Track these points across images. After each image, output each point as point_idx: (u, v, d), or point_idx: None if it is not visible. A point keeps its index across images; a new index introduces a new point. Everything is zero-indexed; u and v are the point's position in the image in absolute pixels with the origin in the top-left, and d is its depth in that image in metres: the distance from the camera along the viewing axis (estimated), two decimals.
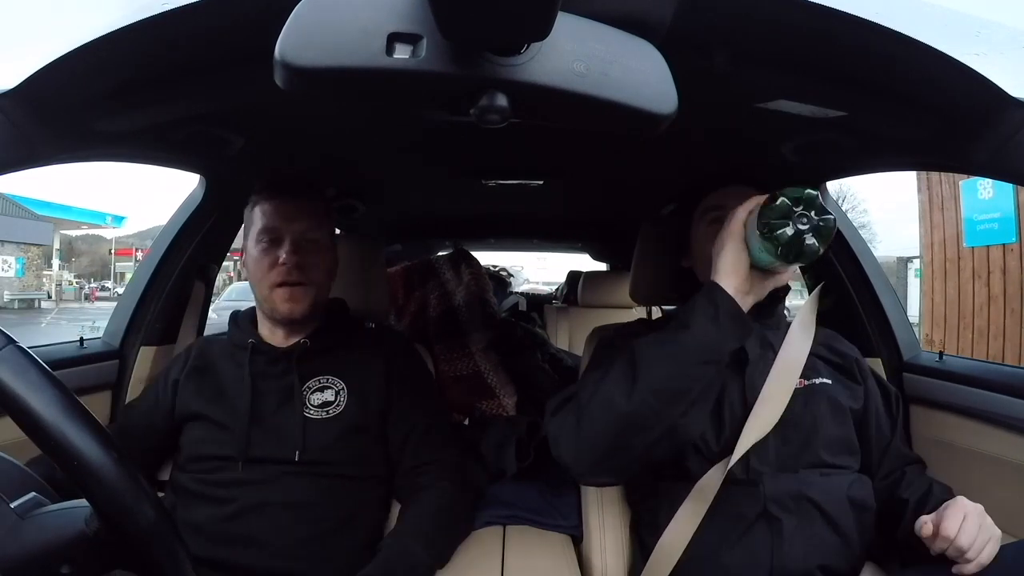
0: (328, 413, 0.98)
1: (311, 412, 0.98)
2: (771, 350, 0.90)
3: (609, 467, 0.81)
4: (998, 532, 0.74)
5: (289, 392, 0.98)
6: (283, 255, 0.97)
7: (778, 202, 0.71)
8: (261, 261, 0.99)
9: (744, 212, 0.77)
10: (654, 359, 0.75)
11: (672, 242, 1.06)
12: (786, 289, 0.95)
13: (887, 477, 0.93)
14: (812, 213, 0.69)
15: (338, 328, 1.07)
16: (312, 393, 0.99)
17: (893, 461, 0.94)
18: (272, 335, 1.03)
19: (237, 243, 1.31)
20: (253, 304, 1.06)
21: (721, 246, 0.78)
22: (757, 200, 0.76)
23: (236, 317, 1.09)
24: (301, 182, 1.03)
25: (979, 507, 0.75)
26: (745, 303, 0.77)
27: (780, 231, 0.70)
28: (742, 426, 0.83)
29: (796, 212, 0.70)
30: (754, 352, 0.90)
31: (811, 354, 0.91)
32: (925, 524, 0.74)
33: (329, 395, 1.00)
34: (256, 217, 1.00)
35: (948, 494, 0.85)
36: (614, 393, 0.75)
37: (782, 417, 0.84)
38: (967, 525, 0.72)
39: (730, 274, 0.76)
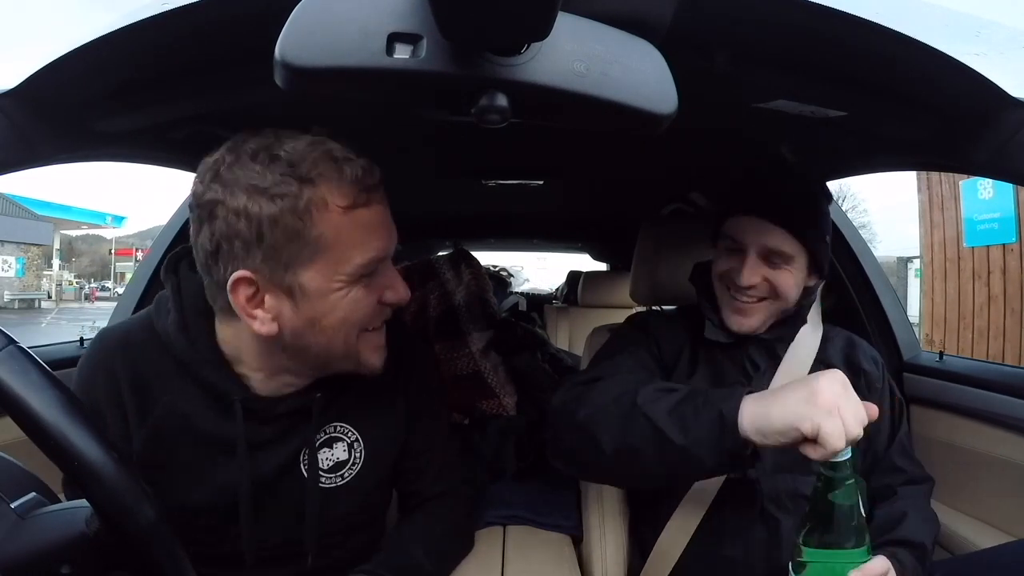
0: (343, 478, 0.75)
1: (321, 479, 0.74)
2: (778, 362, 0.90)
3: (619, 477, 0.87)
4: None
5: (293, 461, 0.73)
6: (393, 294, 0.71)
7: (834, 494, 0.63)
8: (365, 300, 0.69)
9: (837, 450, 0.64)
10: (649, 433, 0.70)
11: (684, 239, 1.06)
12: (810, 305, 0.93)
13: (875, 490, 0.90)
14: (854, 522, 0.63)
15: None
16: (318, 451, 0.74)
17: (885, 474, 0.91)
18: (264, 382, 0.72)
19: None
20: None
21: (774, 410, 0.68)
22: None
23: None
24: None
25: None
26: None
27: (819, 496, 0.64)
28: None
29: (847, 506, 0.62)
30: (763, 363, 0.91)
31: (822, 362, 0.91)
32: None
33: (341, 451, 0.75)
34: (350, 238, 0.69)
35: (926, 528, 0.84)
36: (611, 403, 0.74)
37: None
38: None
39: (756, 434, 0.69)
